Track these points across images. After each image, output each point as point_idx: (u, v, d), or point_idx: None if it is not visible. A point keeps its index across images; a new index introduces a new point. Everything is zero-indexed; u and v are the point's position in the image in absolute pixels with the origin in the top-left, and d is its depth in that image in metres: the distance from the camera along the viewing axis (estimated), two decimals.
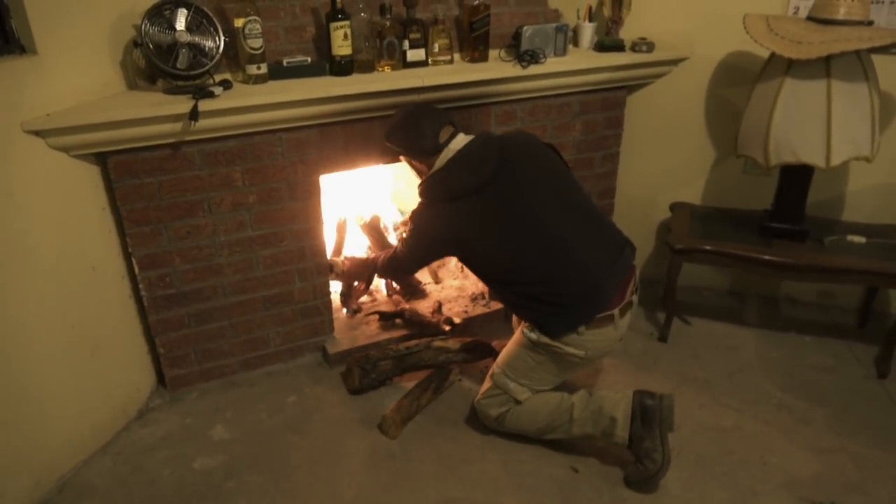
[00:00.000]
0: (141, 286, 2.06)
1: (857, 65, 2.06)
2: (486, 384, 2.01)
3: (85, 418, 1.98)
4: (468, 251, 1.94)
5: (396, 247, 2.16)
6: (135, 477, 1.92)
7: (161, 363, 2.21)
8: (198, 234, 2.08)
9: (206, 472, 1.93)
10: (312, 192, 2.20)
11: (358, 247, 2.77)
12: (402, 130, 1.94)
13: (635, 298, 1.94)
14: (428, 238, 1.98)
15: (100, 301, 1.99)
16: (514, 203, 1.84)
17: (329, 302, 2.42)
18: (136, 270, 2.04)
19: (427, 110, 1.95)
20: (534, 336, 1.86)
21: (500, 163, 1.84)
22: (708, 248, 2.35)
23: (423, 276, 2.83)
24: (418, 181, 2.00)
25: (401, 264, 2.13)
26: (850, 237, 2.35)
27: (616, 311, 1.84)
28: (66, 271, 1.85)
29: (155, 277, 2.07)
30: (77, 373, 1.93)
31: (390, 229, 2.84)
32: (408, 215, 2.83)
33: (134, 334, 2.16)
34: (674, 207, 2.70)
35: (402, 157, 2.06)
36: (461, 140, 1.91)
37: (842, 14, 2.05)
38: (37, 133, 1.70)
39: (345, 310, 2.60)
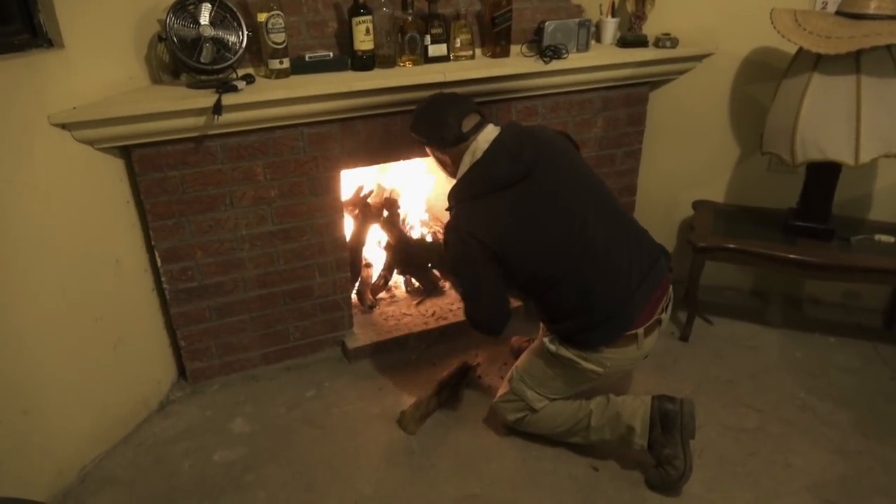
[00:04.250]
0: (163, 279, 2.08)
1: (887, 60, 2.02)
2: (504, 388, 1.98)
3: (107, 410, 2.00)
4: (506, 258, 1.75)
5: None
6: (156, 468, 1.94)
7: (182, 356, 2.23)
8: (219, 228, 2.09)
9: (226, 465, 1.95)
10: (333, 187, 2.21)
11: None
12: (425, 120, 1.86)
13: (665, 316, 1.85)
14: (471, 252, 1.75)
15: (123, 294, 2.00)
16: (554, 197, 1.75)
17: (349, 297, 2.43)
18: (159, 263, 2.05)
19: (451, 99, 1.88)
20: (553, 348, 1.82)
21: (536, 152, 1.75)
22: (731, 246, 2.32)
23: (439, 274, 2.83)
24: (450, 184, 1.87)
25: (477, 310, 1.88)
26: (877, 236, 2.31)
27: (641, 331, 1.77)
28: (90, 264, 1.87)
29: (177, 271, 2.08)
30: (100, 365, 1.95)
31: (416, 227, 2.87)
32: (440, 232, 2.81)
33: (156, 327, 2.18)
34: (696, 205, 2.67)
35: (427, 149, 1.95)
36: (491, 130, 1.80)
37: (872, 8, 2.01)
38: (63, 126, 1.71)
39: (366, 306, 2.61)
